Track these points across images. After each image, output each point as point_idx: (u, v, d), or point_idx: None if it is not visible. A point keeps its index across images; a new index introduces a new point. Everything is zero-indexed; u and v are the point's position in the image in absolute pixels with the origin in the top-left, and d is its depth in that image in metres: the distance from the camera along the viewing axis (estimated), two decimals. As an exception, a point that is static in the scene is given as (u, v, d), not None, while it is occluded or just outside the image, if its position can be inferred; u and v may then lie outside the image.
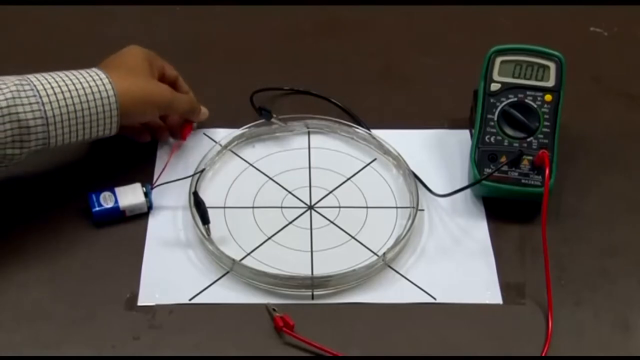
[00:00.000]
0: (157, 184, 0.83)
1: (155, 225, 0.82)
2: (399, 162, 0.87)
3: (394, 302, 0.77)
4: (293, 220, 0.83)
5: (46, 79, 0.74)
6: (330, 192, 0.85)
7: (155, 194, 0.83)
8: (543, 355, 0.73)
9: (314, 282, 0.77)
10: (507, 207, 0.83)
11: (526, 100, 0.84)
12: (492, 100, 0.85)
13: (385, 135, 0.89)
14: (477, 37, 1.01)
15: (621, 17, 1.08)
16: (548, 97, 0.84)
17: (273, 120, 0.90)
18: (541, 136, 0.83)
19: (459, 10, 1.08)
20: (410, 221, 0.81)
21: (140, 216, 0.82)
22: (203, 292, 0.76)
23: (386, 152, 0.89)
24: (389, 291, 0.77)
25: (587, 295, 0.78)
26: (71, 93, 0.74)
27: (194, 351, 0.73)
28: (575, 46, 0.99)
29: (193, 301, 0.76)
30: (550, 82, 0.84)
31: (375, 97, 0.96)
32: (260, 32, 0.93)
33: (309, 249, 0.80)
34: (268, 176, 0.87)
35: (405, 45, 1.04)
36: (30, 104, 0.72)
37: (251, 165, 0.88)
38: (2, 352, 0.72)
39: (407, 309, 0.76)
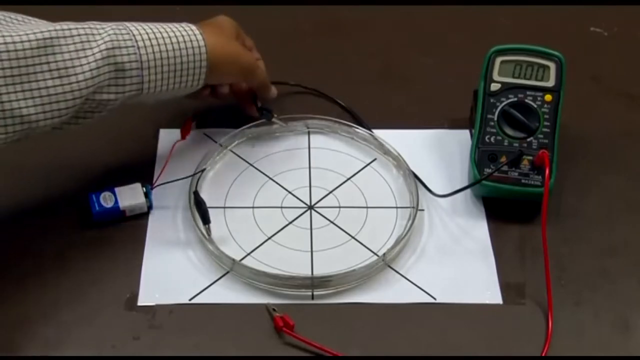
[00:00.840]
0: (157, 184, 0.83)
1: (155, 225, 0.82)
2: (399, 162, 0.87)
3: (394, 302, 0.77)
4: (293, 220, 0.83)
5: (142, 26, 0.76)
6: (330, 192, 0.85)
7: (155, 194, 0.83)
8: (543, 355, 0.73)
9: (314, 282, 0.77)
10: (507, 207, 0.83)
11: (526, 100, 0.84)
12: (492, 100, 0.85)
13: (385, 135, 0.89)
14: (477, 37, 1.01)
15: (621, 17, 1.07)
16: (548, 97, 0.84)
17: (273, 120, 0.90)
18: (541, 136, 0.83)
19: (459, 10, 1.08)
20: (410, 221, 0.81)
21: (140, 216, 0.82)
22: (203, 292, 0.76)
23: (386, 152, 0.89)
24: (389, 291, 0.77)
25: (587, 295, 0.78)
26: (164, 40, 0.76)
27: (194, 351, 0.73)
28: (575, 46, 0.99)
29: (193, 301, 0.76)
30: (550, 82, 0.84)
31: (375, 97, 0.96)
32: (260, 32, 0.93)
33: (309, 249, 0.80)
34: (268, 176, 0.87)
35: (405, 45, 1.04)
36: (127, 47, 0.74)
37: (251, 165, 0.88)
38: (2, 352, 0.72)
39: (407, 309, 0.76)
